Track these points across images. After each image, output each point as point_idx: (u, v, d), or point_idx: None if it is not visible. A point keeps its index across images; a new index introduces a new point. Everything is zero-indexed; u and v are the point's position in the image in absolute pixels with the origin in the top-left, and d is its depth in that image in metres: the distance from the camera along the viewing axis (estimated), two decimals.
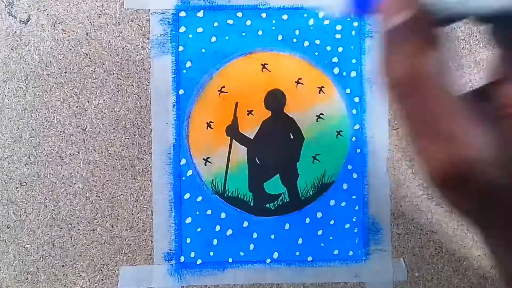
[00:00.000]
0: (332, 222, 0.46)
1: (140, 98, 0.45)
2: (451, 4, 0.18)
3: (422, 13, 0.18)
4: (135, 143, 0.45)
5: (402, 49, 0.17)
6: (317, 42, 0.46)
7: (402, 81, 0.17)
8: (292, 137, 0.46)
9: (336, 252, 0.46)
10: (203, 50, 0.46)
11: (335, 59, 0.46)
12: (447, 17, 0.18)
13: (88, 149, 0.45)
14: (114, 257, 0.45)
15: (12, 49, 0.45)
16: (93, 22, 0.45)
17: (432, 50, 0.18)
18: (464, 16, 0.18)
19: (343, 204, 0.46)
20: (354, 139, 0.46)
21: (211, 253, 0.46)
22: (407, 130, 0.17)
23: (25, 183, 0.45)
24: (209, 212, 0.46)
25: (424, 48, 0.17)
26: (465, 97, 0.18)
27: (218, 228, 0.46)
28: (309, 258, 0.46)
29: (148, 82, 0.45)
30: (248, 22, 0.46)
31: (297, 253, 0.46)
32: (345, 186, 0.46)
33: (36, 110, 0.45)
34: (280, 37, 0.46)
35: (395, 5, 0.18)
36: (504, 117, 0.16)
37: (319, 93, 0.46)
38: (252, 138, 0.46)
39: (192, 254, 0.46)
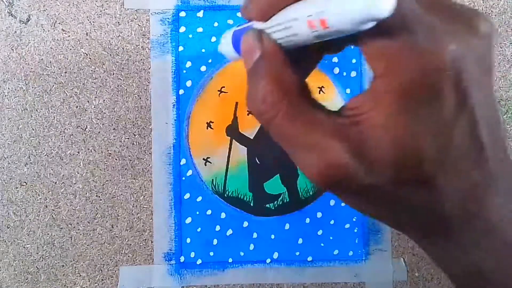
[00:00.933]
0: (332, 222, 0.46)
1: (140, 98, 0.45)
2: (293, 40, 0.20)
3: (271, 49, 0.21)
4: (135, 143, 0.45)
5: (258, 81, 0.20)
6: None
7: (262, 109, 0.20)
8: None
9: (336, 252, 0.46)
10: (203, 50, 0.46)
11: (335, 59, 0.46)
12: (300, 46, 0.21)
13: (88, 149, 0.45)
14: (114, 257, 0.45)
15: (12, 49, 0.45)
16: (93, 22, 0.45)
17: (283, 74, 0.20)
18: (311, 43, 0.20)
19: (343, 204, 0.46)
20: None
21: (211, 253, 0.46)
22: (285, 150, 0.20)
23: (25, 183, 0.45)
24: (209, 212, 0.46)
25: (278, 80, 0.20)
26: (324, 115, 0.21)
27: (218, 228, 0.46)
28: (309, 258, 0.46)
29: (148, 82, 0.45)
30: None
31: (297, 253, 0.46)
32: None
33: (36, 110, 0.45)
34: None
35: (249, 47, 0.22)
36: (349, 125, 0.19)
37: (319, 93, 0.46)
38: (252, 138, 0.46)
39: (192, 254, 0.46)
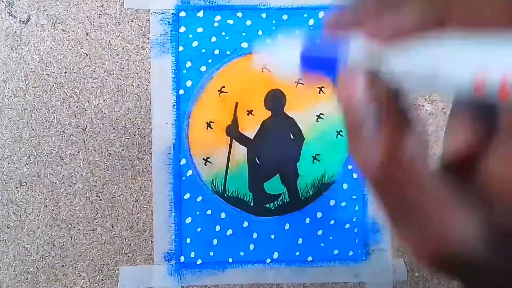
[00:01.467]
0: (332, 222, 0.46)
1: (140, 98, 0.45)
2: (422, 82, 0.14)
3: (391, 89, 0.15)
4: (135, 143, 0.45)
5: (372, 133, 0.15)
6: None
7: (378, 172, 0.15)
8: (292, 137, 0.46)
9: (336, 252, 0.46)
10: (203, 50, 0.46)
11: None
12: (416, 92, 0.15)
13: (88, 149, 0.45)
14: (114, 257, 0.45)
15: (12, 49, 0.45)
16: (93, 22, 0.45)
17: (407, 132, 0.15)
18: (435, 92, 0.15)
19: (343, 204, 0.46)
20: None
21: (211, 253, 0.46)
22: (387, 217, 0.16)
23: (25, 183, 0.45)
24: (209, 212, 0.46)
25: (398, 131, 0.15)
26: (444, 173, 0.16)
27: (218, 228, 0.46)
28: (309, 258, 0.46)
29: (148, 82, 0.45)
30: (248, 22, 0.46)
31: (297, 253, 0.46)
32: (345, 186, 0.46)
33: (36, 110, 0.45)
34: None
35: (353, 94, 0.16)
36: (490, 196, 0.14)
37: (319, 93, 0.46)
38: (252, 138, 0.46)
39: (192, 254, 0.46)
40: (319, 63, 0.17)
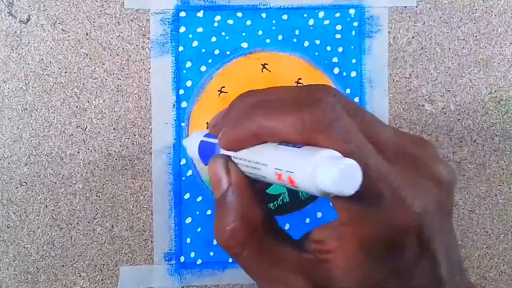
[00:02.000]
0: None
1: (140, 98, 0.45)
2: (259, 177, 0.21)
3: (239, 182, 0.21)
4: (135, 143, 0.45)
5: (225, 215, 0.21)
6: (317, 42, 0.46)
7: (230, 244, 0.21)
8: None
9: None
10: (203, 50, 0.46)
11: (335, 59, 0.46)
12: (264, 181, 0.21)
13: (88, 149, 0.45)
14: (114, 257, 0.45)
15: (12, 49, 0.45)
16: (93, 22, 0.45)
17: (254, 213, 0.21)
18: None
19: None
20: None
21: (211, 253, 0.46)
22: (251, 277, 0.22)
23: (25, 183, 0.45)
24: (209, 212, 0.46)
25: (245, 220, 0.21)
26: (290, 249, 0.21)
27: None
28: None
29: (148, 82, 0.45)
30: (248, 22, 0.46)
31: None
32: None
33: (36, 110, 0.45)
34: (280, 37, 0.46)
35: (215, 178, 0.22)
36: (314, 261, 0.20)
37: None
38: None
39: (192, 254, 0.46)
40: (207, 154, 0.25)
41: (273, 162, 0.19)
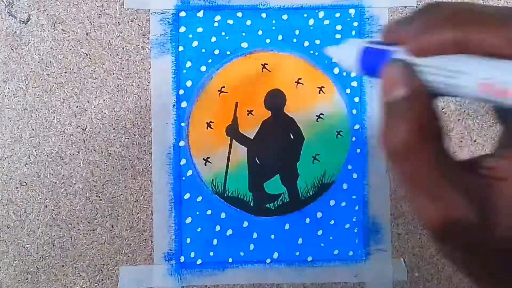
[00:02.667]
0: (332, 222, 0.46)
1: (140, 98, 0.45)
2: (450, 88, 0.20)
3: (421, 91, 0.20)
4: (135, 143, 0.45)
5: (399, 123, 0.19)
6: (317, 42, 0.46)
7: (398, 151, 0.19)
8: (292, 137, 0.46)
9: (336, 252, 0.46)
10: (203, 50, 0.46)
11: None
12: (446, 93, 0.20)
13: (88, 149, 0.45)
14: (114, 257, 0.45)
15: (12, 49, 0.45)
16: (93, 22, 0.45)
17: (428, 130, 0.20)
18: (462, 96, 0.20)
19: (343, 204, 0.46)
20: (354, 139, 0.46)
21: (211, 253, 0.46)
22: (405, 190, 0.20)
23: (25, 183, 0.45)
24: (209, 212, 0.46)
25: (421, 127, 0.19)
26: (455, 165, 0.20)
27: (218, 228, 0.46)
28: (309, 258, 0.46)
29: (148, 82, 0.45)
30: (248, 22, 0.46)
31: (297, 253, 0.46)
32: (345, 186, 0.46)
33: (36, 110, 0.45)
34: (280, 37, 0.46)
35: (394, 80, 0.20)
36: (484, 186, 0.19)
37: (319, 93, 0.46)
38: (252, 138, 0.46)
39: (192, 254, 0.46)
40: (372, 62, 0.22)
41: (481, 72, 0.18)
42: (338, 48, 0.24)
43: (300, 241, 0.46)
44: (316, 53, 0.46)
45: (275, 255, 0.46)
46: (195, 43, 0.46)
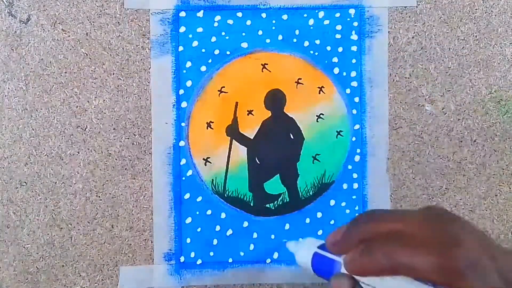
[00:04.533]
0: (332, 222, 0.46)
1: (140, 98, 0.45)
2: None
3: None
4: (135, 143, 0.45)
5: None
6: (317, 42, 0.46)
7: None
8: (292, 137, 0.46)
9: None
10: (203, 50, 0.46)
11: (335, 59, 0.46)
12: None
13: (88, 149, 0.45)
14: (114, 257, 0.45)
15: (12, 49, 0.45)
16: (93, 22, 0.45)
17: None
18: None
19: (343, 204, 0.46)
20: (354, 139, 0.46)
21: (211, 253, 0.46)
22: None
23: (25, 183, 0.45)
24: (209, 212, 0.46)
25: None
26: None
27: (218, 228, 0.46)
28: None
29: (148, 82, 0.45)
30: (248, 22, 0.46)
31: None
32: (345, 186, 0.46)
33: (36, 110, 0.45)
34: (280, 37, 0.46)
35: (343, 281, 0.23)
36: None
37: (319, 93, 0.46)
38: (252, 138, 0.46)
39: (192, 254, 0.46)
40: (322, 267, 0.25)
41: None
42: (296, 246, 0.28)
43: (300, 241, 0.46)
44: (316, 53, 0.46)
45: (275, 255, 0.46)
46: (195, 43, 0.46)
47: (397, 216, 0.24)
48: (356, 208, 0.46)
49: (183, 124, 0.46)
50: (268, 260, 0.46)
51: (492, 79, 0.47)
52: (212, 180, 0.46)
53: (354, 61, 0.46)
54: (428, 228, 0.22)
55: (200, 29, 0.46)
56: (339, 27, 0.46)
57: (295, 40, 0.46)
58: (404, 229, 0.22)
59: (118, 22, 0.45)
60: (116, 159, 0.45)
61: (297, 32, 0.46)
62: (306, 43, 0.46)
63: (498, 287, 0.20)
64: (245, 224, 0.46)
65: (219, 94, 0.46)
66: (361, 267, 0.23)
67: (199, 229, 0.46)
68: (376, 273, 0.22)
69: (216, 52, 0.46)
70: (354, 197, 0.46)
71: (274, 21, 0.46)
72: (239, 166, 0.46)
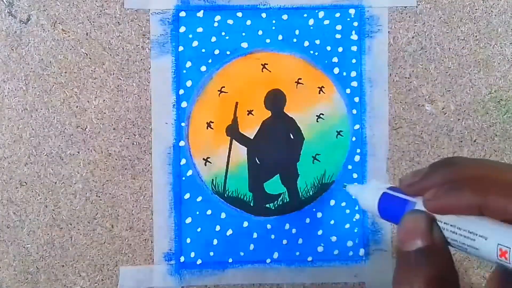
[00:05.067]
0: (332, 222, 0.46)
1: (140, 98, 0.45)
2: (465, 247, 0.20)
3: (440, 244, 0.20)
4: (135, 143, 0.45)
5: (416, 274, 0.20)
6: (317, 42, 0.46)
7: None
8: (292, 137, 0.46)
9: (336, 252, 0.46)
10: (203, 50, 0.46)
11: (335, 59, 0.46)
12: (461, 250, 0.21)
13: (88, 149, 0.45)
14: (114, 257, 0.45)
15: (12, 49, 0.45)
16: (93, 22, 0.45)
17: (444, 284, 0.20)
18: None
19: (343, 204, 0.46)
20: (354, 139, 0.46)
21: (211, 253, 0.46)
22: None
23: (25, 183, 0.45)
24: (209, 212, 0.46)
25: (438, 280, 0.20)
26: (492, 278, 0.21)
27: (218, 228, 0.46)
28: (309, 258, 0.46)
29: (148, 82, 0.45)
30: (248, 22, 0.46)
31: (297, 253, 0.46)
32: None
33: (36, 110, 0.45)
34: (280, 37, 0.46)
35: (413, 230, 0.21)
36: None
37: (319, 93, 0.46)
38: (252, 138, 0.46)
39: (192, 254, 0.46)
40: (391, 209, 0.23)
41: (499, 237, 0.19)
42: (359, 188, 0.26)
43: (300, 241, 0.46)
44: (316, 53, 0.46)
45: (275, 255, 0.46)
46: (195, 43, 0.46)
47: (477, 162, 0.23)
48: (356, 208, 0.46)
49: (183, 124, 0.46)
50: (268, 260, 0.46)
51: (492, 79, 0.47)
52: (212, 180, 0.46)
53: (354, 61, 0.46)
54: None
55: (200, 29, 0.46)
56: (339, 27, 0.46)
57: (295, 40, 0.46)
58: (489, 174, 0.21)
59: (118, 22, 0.45)
60: (116, 159, 0.45)
61: (297, 32, 0.46)
62: (306, 43, 0.46)
63: None
64: (245, 224, 0.46)
65: (219, 94, 0.46)
66: (446, 203, 0.21)
67: (199, 229, 0.46)
68: (462, 211, 0.20)
69: (216, 52, 0.46)
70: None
71: (274, 21, 0.46)
72: (239, 166, 0.46)
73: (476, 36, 0.47)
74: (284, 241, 0.46)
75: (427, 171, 0.23)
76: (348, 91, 0.46)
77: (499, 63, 0.47)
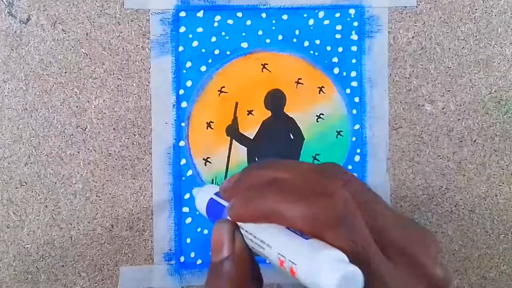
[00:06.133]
0: None
1: (140, 98, 0.45)
2: (262, 255, 0.22)
3: (239, 257, 0.22)
4: (135, 143, 0.45)
5: (222, 285, 0.21)
6: (317, 42, 0.46)
7: None
8: (292, 137, 0.46)
9: None
10: (203, 50, 0.46)
11: (335, 59, 0.46)
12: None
13: (88, 149, 0.45)
14: (114, 257, 0.45)
15: (12, 49, 0.45)
16: (93, 22, 0.45)
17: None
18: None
19: None
20: (354, 139, 0.46)
21: None
22: None
23: (25, 183, 0.45)
24: None
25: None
26: None
27: None
28: None
29: (148, 82, 0.45)
30: (248, 22, 0.46)
31: None
32: None
33: (36, 110, 0.45)
34: (280, 37, 0.46)
35: (220, 241, 0.22)
36: None
37: (319, 93, 0.46)
38: (252, 138, 0.46)
39: (192, 254, 0.46)
40: (215, 213, 0.25)
41: (278, 247, 0.20)
42: (196, 192, 0.28)
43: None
44: (316, 53, 0.46)
45: None
46: (195, 43, 0.46)
47: (286, 165, 0.23)
48: None
49: (183, 124, 0.46)
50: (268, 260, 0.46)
51: (492, 79, 0.47)
52: (212, 180, 0.46)
53: (354, 61, 0.46)
54: (309, 180, 0.21)
55: (200, 29, 0.46)
56: (339, 27, 0.46)
57: (295, 40, 0.46)
58: (287, 178, 0.22)
59: (118, 22, 0.45)
60: (116, 159, 0.45)
61: (297, 32, 0.46)
62: (306, 43, 0.46)
63: (364, 240, 0.19)
64: None
65: (219, 94, 0.46)
66: (238, 212, 0.22)
67: (199, 229, 0.46)
68: (252, 219, 0.21)
69: (216, 52, 0.46)
70: None
71: (274, 21, 0.46)
72: (239, 166, 0.46)
73: (476, 36, 0.47)
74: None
75: (239, 176, 0.24)
76: (348, 91, 0.46)
77: (499, 63, 0.47)
